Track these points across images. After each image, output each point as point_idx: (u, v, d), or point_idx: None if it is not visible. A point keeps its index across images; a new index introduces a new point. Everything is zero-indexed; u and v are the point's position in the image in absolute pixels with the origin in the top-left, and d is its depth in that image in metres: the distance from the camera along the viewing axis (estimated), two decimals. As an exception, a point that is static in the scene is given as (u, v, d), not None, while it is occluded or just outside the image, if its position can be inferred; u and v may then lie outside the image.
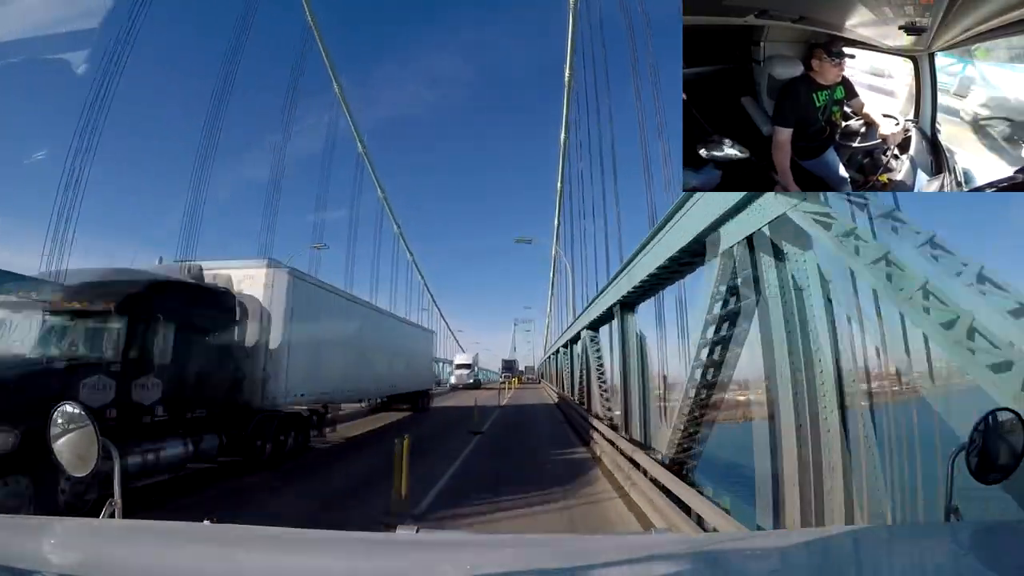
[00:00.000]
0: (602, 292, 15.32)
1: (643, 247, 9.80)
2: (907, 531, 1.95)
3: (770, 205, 5.03)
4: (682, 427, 8.55)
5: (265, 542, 1.38)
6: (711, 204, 6.18)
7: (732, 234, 6.03)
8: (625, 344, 12.78)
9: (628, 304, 12.74)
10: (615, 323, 13.40)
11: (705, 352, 7.26)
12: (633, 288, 10.95)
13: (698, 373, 7.55)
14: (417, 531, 1.45)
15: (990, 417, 1.39)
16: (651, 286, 10.71)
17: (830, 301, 4.89)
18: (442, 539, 1.58)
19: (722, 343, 7.08)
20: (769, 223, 5.21)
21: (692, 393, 7.85)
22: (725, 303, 6.72)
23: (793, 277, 5.23)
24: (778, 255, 5.37)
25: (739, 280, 6.13)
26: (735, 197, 5.49)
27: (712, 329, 7.03)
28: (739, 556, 1.30)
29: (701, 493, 6.01)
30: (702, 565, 1.19)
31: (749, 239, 5.71)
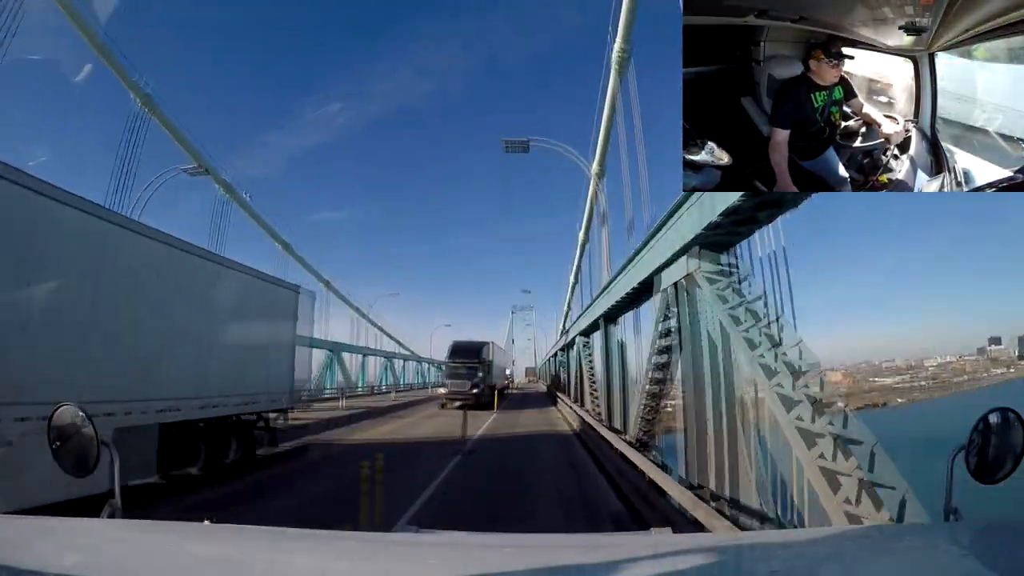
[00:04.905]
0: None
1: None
2: (907, 531, 1.95)
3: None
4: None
5: (265, 542, 1.38)
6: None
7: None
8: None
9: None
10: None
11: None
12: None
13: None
14: (417, 531, 1.46)
15: (990, 417, 1.38)
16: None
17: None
18: (442, 539, 1.58)
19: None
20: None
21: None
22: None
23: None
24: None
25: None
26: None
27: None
28: (739, 556, 1.30)
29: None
30: (702, 565, 1.19)
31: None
